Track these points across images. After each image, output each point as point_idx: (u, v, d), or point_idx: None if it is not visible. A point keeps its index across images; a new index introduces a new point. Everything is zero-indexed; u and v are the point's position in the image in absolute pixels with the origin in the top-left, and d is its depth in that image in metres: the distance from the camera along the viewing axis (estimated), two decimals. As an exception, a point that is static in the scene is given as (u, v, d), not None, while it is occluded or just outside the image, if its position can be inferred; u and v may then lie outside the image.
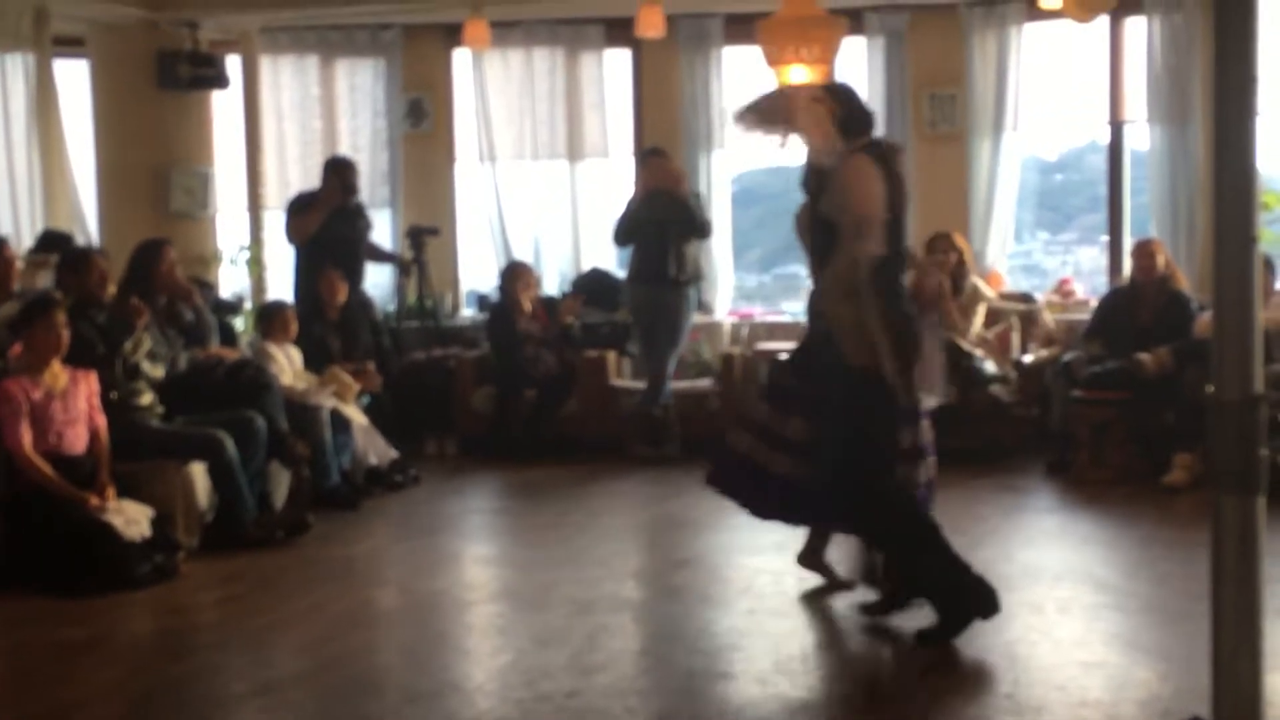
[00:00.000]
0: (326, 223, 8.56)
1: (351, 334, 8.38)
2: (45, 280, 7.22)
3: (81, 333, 6.12)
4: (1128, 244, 8.85)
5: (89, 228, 9.14)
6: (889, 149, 4.90)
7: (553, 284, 9.84)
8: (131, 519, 5.75)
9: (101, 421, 6.02)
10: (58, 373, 5.89)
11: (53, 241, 7.93)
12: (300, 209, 8.70)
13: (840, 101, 4.82)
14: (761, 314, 10.08)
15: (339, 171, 8.74)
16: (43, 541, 5.63)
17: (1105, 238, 9.61)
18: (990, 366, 8.21)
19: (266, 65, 9.83)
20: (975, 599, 4.65)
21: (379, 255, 9.23)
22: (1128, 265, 8.41)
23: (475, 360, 9.13)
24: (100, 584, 5.49)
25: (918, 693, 4.26)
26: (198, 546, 6.19)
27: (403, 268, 9.30)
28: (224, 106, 9.86)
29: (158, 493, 6.11)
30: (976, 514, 6.75)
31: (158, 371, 6.52)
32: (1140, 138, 9.11)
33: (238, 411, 6.59)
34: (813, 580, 5.36)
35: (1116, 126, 9.28)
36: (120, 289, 6.64)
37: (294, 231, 8.68)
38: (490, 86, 9.83)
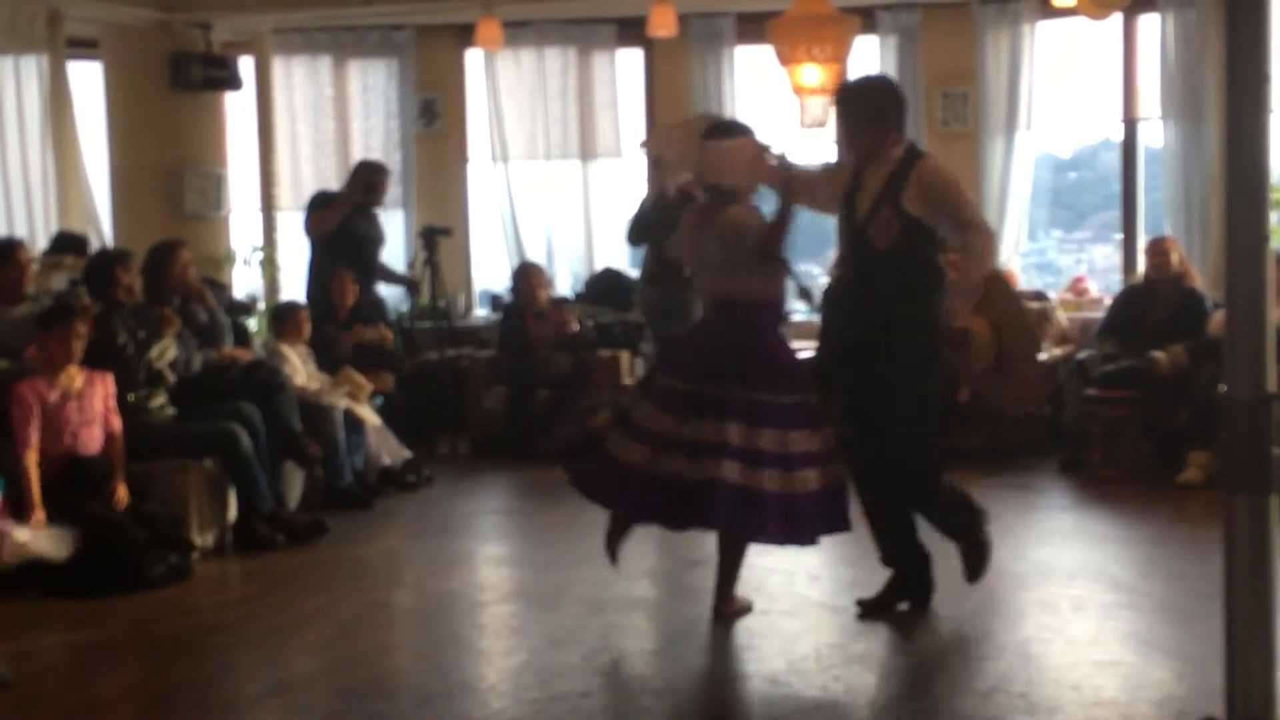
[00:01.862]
0: (348, 220, 8.56)
1: (363, 334, 8.38)
2: (60, 282, 7.25)
3: (114, 331, 6.15)
4: (1142, 242, 8.83)
5: (103, 229, 9.16)
6: None
7: (565, 284, 9.84)
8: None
9: (117, 423, 6.02)
10: (74, 374, 5.90)
11: (67, 243, 7.96)
12: (321, 204, 8.71)
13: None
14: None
15: (362, 171, 8.78)
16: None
17: (1119, 235, 9.59)
18: (1004, 365, 8.19)
19: (279, 66, 9.85)
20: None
21: (389, 277, 9.21)
22: (1142, 263, 8.39)
23: (487, 360, 9.13)
24: (114, 585, 5.50)
25: (931, 692, 4.26)
26: (212, 547, 6.22)
27: (412, 289, 9.30)
28: (237, 108, 9.92)
29: (171, 492, 6.13)
30: (989, 512, 6.72)
31: (172, 378, 6.53)
32: (1154, 135, 9.09)
33: (230, 403, 6.56)
34: (825, 580, 5.35)
35: (1130, 124, 9.25)
36: (144, 292, 6.67)
37: (312, 226, 8.67)
38: (502, 86, 9.83)
